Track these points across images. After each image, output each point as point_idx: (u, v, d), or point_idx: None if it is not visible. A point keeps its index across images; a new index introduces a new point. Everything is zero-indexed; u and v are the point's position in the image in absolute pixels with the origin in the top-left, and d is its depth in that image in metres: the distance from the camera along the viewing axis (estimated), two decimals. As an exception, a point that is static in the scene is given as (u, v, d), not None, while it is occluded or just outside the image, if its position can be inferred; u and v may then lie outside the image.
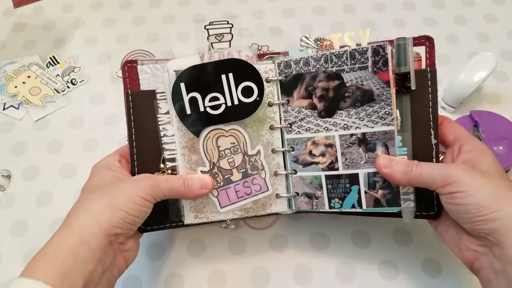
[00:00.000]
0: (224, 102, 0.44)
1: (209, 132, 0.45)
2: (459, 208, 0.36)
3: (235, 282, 0.49)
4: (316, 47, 0.44)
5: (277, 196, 0.46)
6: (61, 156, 0.58)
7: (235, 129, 0.45)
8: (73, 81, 0.64)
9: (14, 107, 0.62)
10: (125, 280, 0.49)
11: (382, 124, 0.41)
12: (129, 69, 0.45)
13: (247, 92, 0.44)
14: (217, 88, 0.44)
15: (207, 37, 0.68)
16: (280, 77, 0.45)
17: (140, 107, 0.45)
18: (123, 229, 0.39)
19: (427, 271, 0.48)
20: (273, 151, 0.45)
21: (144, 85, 0.45)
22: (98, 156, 0.58)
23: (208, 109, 0.44)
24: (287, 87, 0.44)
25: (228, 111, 0.44)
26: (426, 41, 0.42)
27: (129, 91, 0.45)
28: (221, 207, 0.45)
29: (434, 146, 0.41)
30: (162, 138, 0.45)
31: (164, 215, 0.46)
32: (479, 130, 0.54)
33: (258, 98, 0.44)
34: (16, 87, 0.63)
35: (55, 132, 0.60)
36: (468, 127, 0.54)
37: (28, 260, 0.52)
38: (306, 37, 0.45)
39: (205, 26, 0.69)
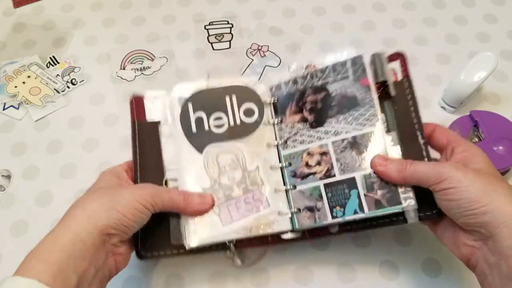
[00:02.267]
0: (227, 121, 0.47)
1: (209, 150, 0.46)
2: (452, 204, 0.37)
3: (235, 282, 0.49)
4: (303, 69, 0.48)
5: (279, 213, 0.45)
6: (61, 156, 0.58)
7: (234, 146, 0.47)
8: (73, 81, 0.64)
9: (14, 107, 0.62)
10: (125, 280, 0.49)
11: (369, 126, 0.43)
12: (136, 101, 0.49)
13: (249, 112, 0.48)
14: (221, 108, 0.47)
15: (207, 37, 0.68)
16: (273, 99, 0.48)
17: (145, 134, 0.48)
18: (118, 230, 0.39)
19: (427, 271, 0.48)
20: (271, 167, 0.47)
21: (150, 115, 0.49)
22: (98, 156, 0.58)
23: (213, 128, 0.47)
24: (280, 107, 0.48)
25: (231, 130, 0.47)
26: (399, 57, 0.46)
27: (136, 120, 0.48)
28: (223, 225, 0.44)
29: (423, 146, 0.43)
30: (164, 160, 0.47)
31: (165, 238, 0.44)
32: (479, 130, 0.54)
33: (258, 119, 0.48)
34: (16, 87, 0.63)
35: (55, 132, 0.60)
36: (468, 127, 0.54)
37: (28, 260, 0.51)
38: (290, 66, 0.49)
39: (205, 26, 0.69)
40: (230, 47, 0.67)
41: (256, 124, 0.48)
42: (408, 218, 0.42)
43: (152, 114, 0.49)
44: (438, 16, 0.68)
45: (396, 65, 0.46)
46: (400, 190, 0.41)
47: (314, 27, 0.68)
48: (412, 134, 0.43)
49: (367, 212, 0.42)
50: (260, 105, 0.48)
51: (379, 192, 0.42)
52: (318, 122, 0.45)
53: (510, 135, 0.52)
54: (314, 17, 0.69)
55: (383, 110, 0.44)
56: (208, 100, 0.47)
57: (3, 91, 0.63)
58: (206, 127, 0.47)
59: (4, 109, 0.62)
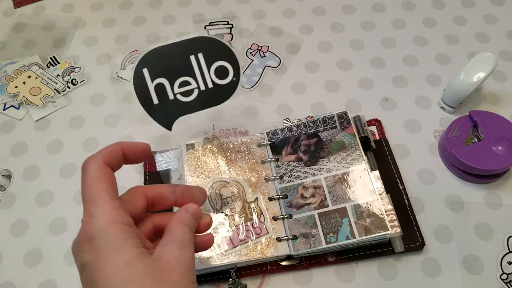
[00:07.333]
0: (196, 86, 0.41)
1: (213, 184, 0.49)
2: None
3: (235, 282, 0.49)
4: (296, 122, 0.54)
5: (278, 239, 0.47)
6: (61, 156, 0.58)
7: (235, 180, 0.49)
8: (74, 81, 0.64)
9: (14, 107, 0.62)
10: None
11: (356, 164, 0.50)
12: None
13: (222, 73, 0.41)
14: (187, 71, 0.40)
15: (207, 37, 0.68)
16: (269, 142, 0.53)
17: (155, 181, 0.52)
18: None
19: (427, 271, 0.48)
20: (270, 199, 0.50)
21: (160, 166, 0.53)
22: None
23: (179, 96, 0.41)
24: (277, 148, 0.53)
25: (203, 96, 0.41)
26: (376, 123, 0.57)
27: (148, 171, 0.53)
28: (225, 251, 0.46)
29: (403, 191, 0.52)
30: None
31: None
32: (478, 130, 0.54)
33: (234, 78, 0.41)
34: (16, 87, 0.63)
35: (55, 132, 0.60)
36: (467, 128, 0.54)
37: (28, 260, 0.52)
38: (286, 119, 0.58)
39: (205, 26, 0.69)
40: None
41: (233, 84, 0.41)
42: (395, 248, 0.48)
43: (162, 165, 0.52)
44: (437, 16, 0.69)
45: (373, 128, 0.57)
46: (387, 219, 0.46)
47: (314, 27, 0.68)
48: (393, 181, 0.52)
49: (358, 238, 0.46)
50: (235, 61, 0.41)
51: (368, 220, 0.46)
52: (311, 161, 0.51)
53: (510, 135, 0.52)
54: (314, 18, 0.69)
55: (366, 155, 0.51)
56: (169, 63, 0.39)
57: (4, 91, 0.63)
58: (171, 96, 0.40)
59: (4, 109, 0.62)
